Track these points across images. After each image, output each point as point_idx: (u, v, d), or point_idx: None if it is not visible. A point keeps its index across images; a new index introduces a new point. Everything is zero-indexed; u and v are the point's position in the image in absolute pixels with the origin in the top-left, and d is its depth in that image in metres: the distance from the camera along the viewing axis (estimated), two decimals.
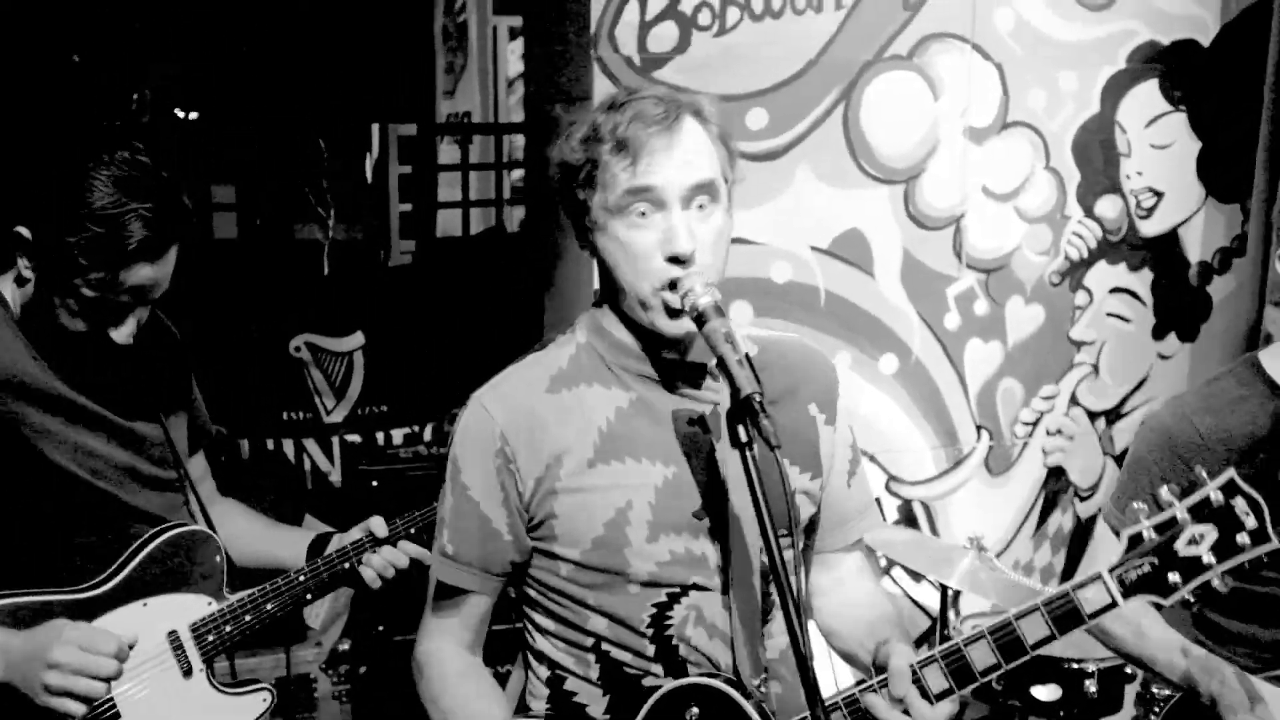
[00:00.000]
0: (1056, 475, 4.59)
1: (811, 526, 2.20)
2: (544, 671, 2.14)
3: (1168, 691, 3.29)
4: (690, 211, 1.95)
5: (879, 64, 4.16)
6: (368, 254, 4.76)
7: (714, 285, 1.92)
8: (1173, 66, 4.52)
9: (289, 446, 4.33)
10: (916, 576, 4.37)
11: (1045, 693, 3.68)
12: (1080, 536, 4.56)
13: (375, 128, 4.65)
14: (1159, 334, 4.66)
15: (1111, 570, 1.86)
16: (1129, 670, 3.64)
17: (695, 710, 1.98)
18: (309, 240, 4.41)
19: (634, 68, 3.90)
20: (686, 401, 2.05)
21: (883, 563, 4.35)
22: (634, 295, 1.98)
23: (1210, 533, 1.83)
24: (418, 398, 4.40)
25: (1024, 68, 4.34)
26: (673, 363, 2.04)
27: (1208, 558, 1.83)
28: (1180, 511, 1.85)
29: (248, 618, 2.54)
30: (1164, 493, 1.87)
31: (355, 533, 2.65)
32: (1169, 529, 1.85)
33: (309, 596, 2.64)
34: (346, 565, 2.62)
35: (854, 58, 4.13)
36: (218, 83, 4.49)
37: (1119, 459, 4.53)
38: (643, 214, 1.94)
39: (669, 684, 2.01)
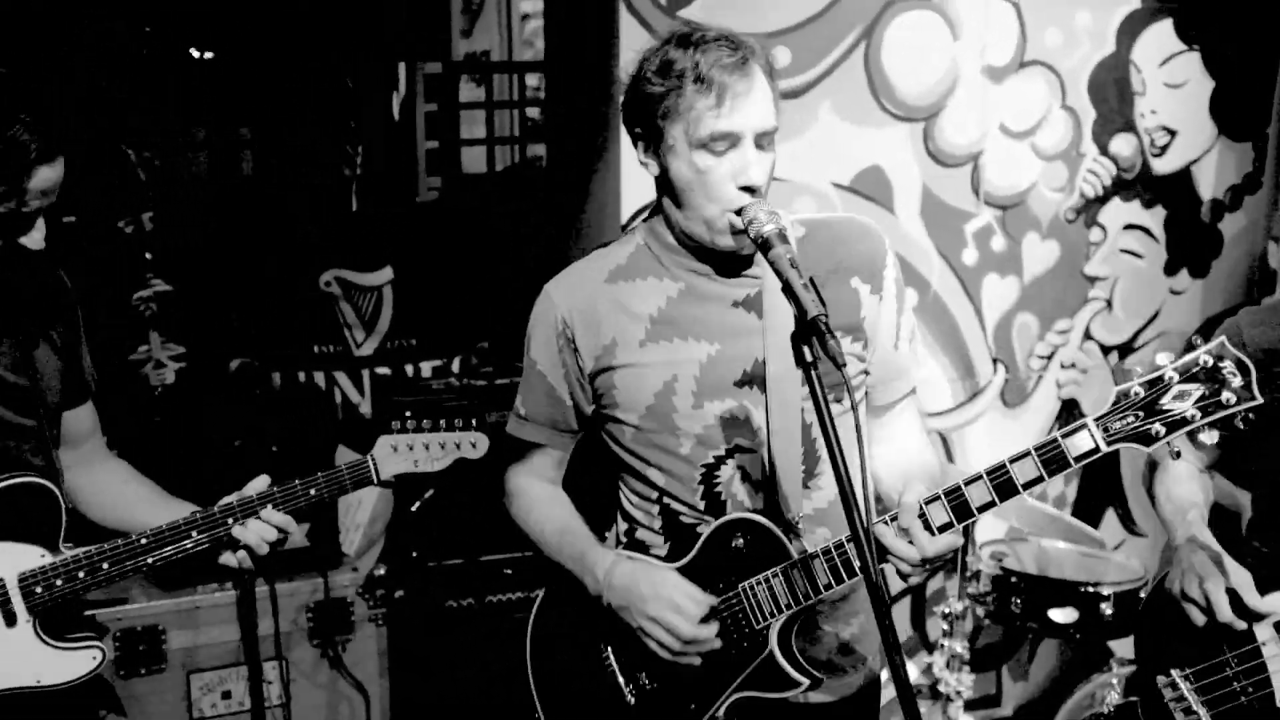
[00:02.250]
0: (1070, 408, 4.70)
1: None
2: (623, 525, 2.51)
3: None
4: (757, 150, 2.20)
5: (899, 3, 4.22)
6: (396, 190, 4.82)
7: (776, 213, 2.13)
8: (1187, 6, 4.58)
9: (320, 379, 4.41)
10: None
11: (1062, 615, 3.80)
12: (1092, 466, 4.65)
13: (402, 66, 4.71)
14: (1171, 270, 4.75)
15: (1097, 419, 2.01)
16: (1142, 594, 3.75)
17: (740, 540, 2.30)
18: (337, 177, 4.45)
19: (659, 6, 3.95)
20: (731, 288, 2.33)
21: None
22: (700, 215, 2.24)
23: (1196, 390, 1.94)
24: (446, 331, 4.47)
25: (1041, 7, 4.39)
26: (720, 256, 2.30)
27: (1191, 411, 1.95)
28: (1169, 371, 1.96)
29: (81, 574, 2.44)
30: (1160, 357, 1.98)
31: (214, 506, 2.50)
32: (1156, 385, 1.96)
33: (150, 560, 2.47)
34: (195, 534, 2.46)
35: None
36: (241, 23, 4.51)
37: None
38: (720, 150, 2.17)
39: (722, 519, 2.32)
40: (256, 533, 2.48)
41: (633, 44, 3.95)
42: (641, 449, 2.40)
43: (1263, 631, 2.45)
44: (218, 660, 3.82)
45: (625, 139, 3.86)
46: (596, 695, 2.43)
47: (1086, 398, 4.71)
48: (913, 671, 4.57)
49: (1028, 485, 2.06)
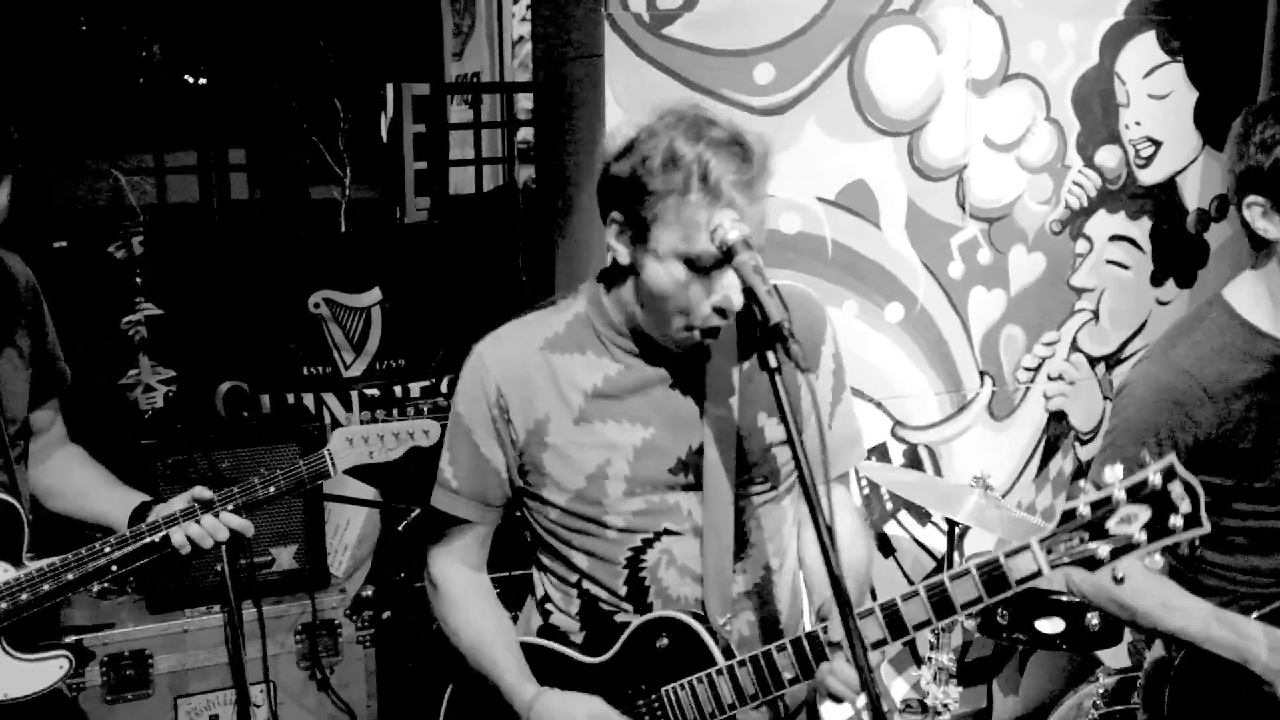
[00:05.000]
0: (1058, 419, 4.70)
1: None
2: (536, 610, 2.40)
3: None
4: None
5: (882, 18, 4.23)
6: (384, 211, 4.85)
7: (740, 222, 2.03)
8: (1170, 18, 4.59)
9: (309, 401, 4.43)
10: (923, 519, 4.49)
11: (1049, 625, 3.80)
12: (1081, 479, 4.67)
13: (390, 87, 4.73)
14: (1157, 281, 4.75)
15: (1041, 541, 1.96)
16: None
17: (665, 640, 2.22)
18: (326, 199, 4.48)
19: (644, 24, 3.97)
20: (669, 370, 2.22)
21: (889, 505, 4.46)
22: (666, 324, 2.12)
23: (1144, 513, 1.91)
24: (435, 351, 4.48)
25: (1024, 20, 4.40)
26: (664, 347, 2.20)
27: (1138, 536, 1.91)
28: (1117, 491, 1.92)
29: (46, 587, 2.47)
30: (1107, 473, 1.94)
31: (176, 503, 2.56)
32: (1103, 506, 1.93)
33: (114, 568, 2.51)
34: (157, 538, 2.52)
35: (858, 12, 4.20)
36: (229, 47, 4.54)
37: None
38: (707, 268, 2.04)
39: (644, 616, 2.24)
40: (208, 528, 2.52)
41: (618, 61, 4.01)
42: (564, 531, 2.28)
43: None
44: (205, 684, 3.84)
45: None
46: None
47: (1074, 410, 4.71)
48: (901, 687, 4.58)
49: (966, 606, 2.02)
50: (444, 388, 4.45)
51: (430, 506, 2.38)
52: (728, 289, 2.04)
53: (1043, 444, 4.68)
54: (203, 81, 4.97)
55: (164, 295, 4.30)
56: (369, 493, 3.73)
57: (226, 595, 3.63)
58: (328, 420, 4.38)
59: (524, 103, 5.77)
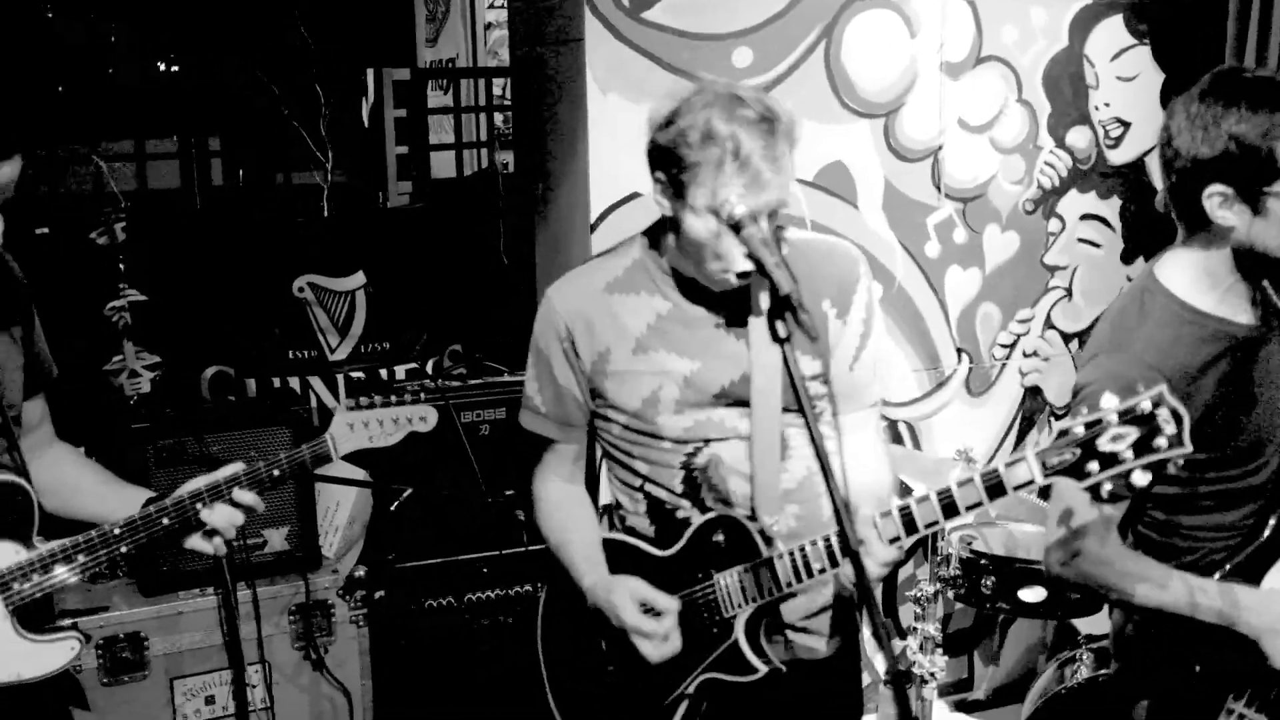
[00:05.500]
0: (1033, 395, 4.80)
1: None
2: (615, 514, 2.75)
3: None
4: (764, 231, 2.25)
5: (858, 2, 4.30)
6: (366, 195, 4.86)
7: (748, 196, 2.22)
8: (1135, 2, 4.69)
9: (295, 385, 4.45)
10: (904, 493, 4.55)
11: (1031, 595, 3.88)
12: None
13: (370, 73, 4.75)
14: (1128, 258, 4.86)
15: (1036, 453, 2.11)
16: None
17: (721, 536, 2.53)
18: (309, 184, 4.49)
19: (623, 8, 4.02)
20: (713, 310, 2.51)
21: None
22: (704, 268, 2.38)
23: (1132, 433, 2.03)
24: (419, 334, 4.51)
25: (996, 4, 4.49)
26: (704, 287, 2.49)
27: (1125, 453, 2.03)
28: (1109, 414, 2.04)
29: (58, 569, 2.48)
30: (1105, 398, 2.05)
31: (183, 491, 2.56)
32: (1095, 426, 2.05)
33: (124, 549, 2.52)
34: (165, 521, 2.52)
35: None
36: (205, 34, 4.55)
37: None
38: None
39: (705, 516, 2.55)
40: (225, 517, 2.56)
41: (599, 44, 4.05)
42: (627, 444, 2.62)
43: None
44: (200, 665, 3.85)
45: (594, 144, 3.99)
46: (593, 671, 2.68)
47: (1049, 385, 4.81)
48: (883, 661, 4.66)
49: (970, 508, 2.25)
50: (429, 369, 4.49)
51: (527, 433, 2.71)
52: (756, 244, 2.23)
53: (1019, 419, 4.77)
54: (175, 69, 4.95)
55: (147, 281, 4.30)
56: (360, 474, 3.75)
57: (219, 577, 3.66)
58: (314, 404, 4.40)
59: (497, 89, 5.81)
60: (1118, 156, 4.79)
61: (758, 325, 2.46)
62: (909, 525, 2.30)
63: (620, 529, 2.73)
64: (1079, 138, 4.71)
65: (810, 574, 2.44)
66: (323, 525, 4.07)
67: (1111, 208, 4.80)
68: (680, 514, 2.60)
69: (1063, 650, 3.99)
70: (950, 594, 4.00)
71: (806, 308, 2.04)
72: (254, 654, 3.85)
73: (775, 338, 2.08)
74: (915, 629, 4.01)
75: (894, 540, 2.31)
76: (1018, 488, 2.17)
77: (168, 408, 4.01)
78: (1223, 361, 2.49)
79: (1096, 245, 4.81)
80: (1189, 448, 2.02)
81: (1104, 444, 2.05)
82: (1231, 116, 2.39)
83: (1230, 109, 2.40)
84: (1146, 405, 2.04)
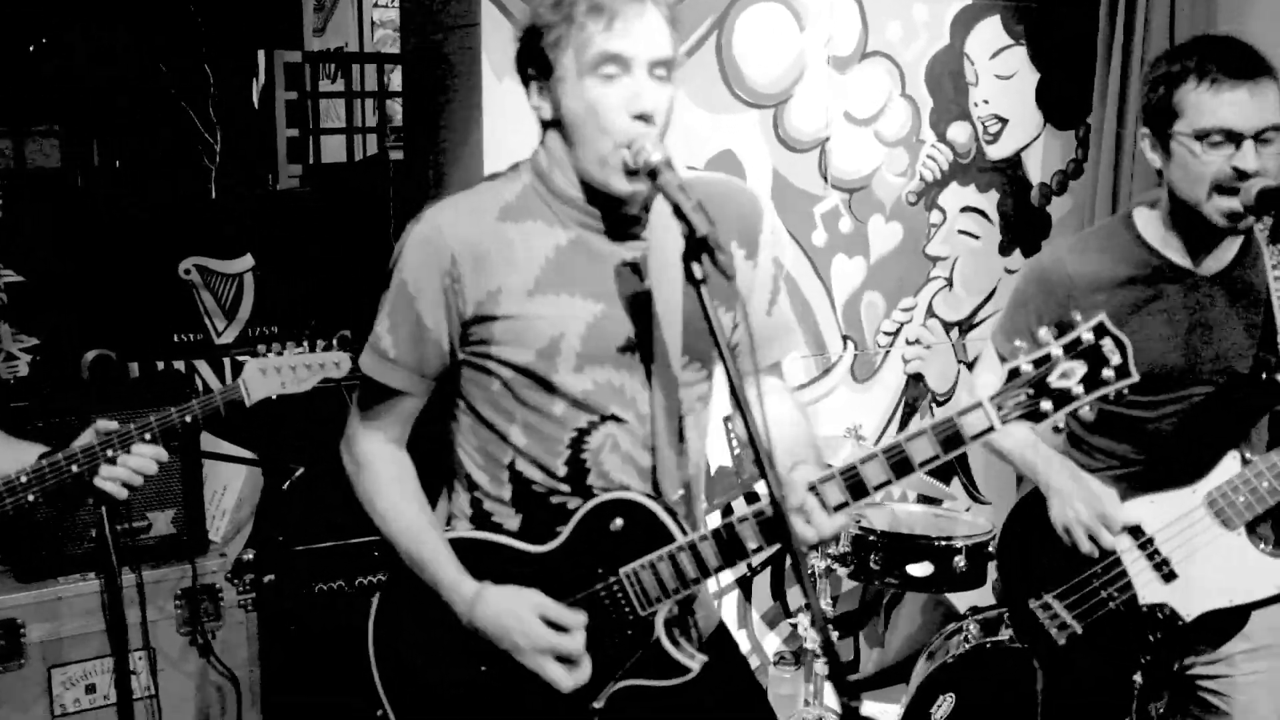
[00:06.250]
0: (916, 381, 4.93)
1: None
2: (463, 494, 2.35)
3: None
4: (651, 79, 2.12)
5: None
6: (255, 178, 4.79)
7: (663, 144, 2.11)
8: (1014, 2, 4.87)
9: (180, 369, 4.35)
10: None
11: (919, 569, 3.98)
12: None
13: (261, 54, 4.69)
14: (1005, 250, 5.02)
15: (992, 399, 2.06)
16: (991, 549, 3.96)
17: (619, 521, 2.21)
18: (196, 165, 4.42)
19: None
20: (619, 247, 2.23)
21: None
22: (594, 151, 2.13)
23: (1080, 368, 2.02)
24: (308, 318, 4.45)
25: (881, 1, 4.62)
26: (611, 212, 2.22)
27: (1076, 389, 2.03)
28: (1055, 349, 2.04)
29: None
30: (1042, 332, 2.06)
31: (84, 438, 2.52)
32: (1044, 364, 2.04)
33: (30, 499, 2.49)
34: (75, 469, 2.49)
35: None
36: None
37: (971, 365, 4.88)
38: (611, 75, 2.09)
39: (595, 499, 2.22)
40: (135, 466, 2.52)
41: (495, 30, 4.07)
42: (507, 405, 2.24)
43: (1121, 541, 2.65)
44: (81, 653, 3.73)
45: (489, 129, 3.99)
46: (462, 687, 2.30)
47: (930, 372, 4.94)
48: (774, 641, 4.73)
49: (924, 464, 2.07)
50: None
51: (363, 377, 2.31)
52: (640, 92, 2.10)
53: (902, 405, 4.89)
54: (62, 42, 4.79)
55: (25, 261, 4.18)
56: (250, 455, 3.70)
57: (101, 561, 3.54)
58: (199, 386, 4.31)
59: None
60: (996, 152, 4.95)
61: (660, 258, 2.22)
62: (856, 489, 2.09)
63: (473, 514, 2.35)
64: (959, 133, 4.86)
65: (743, 555, 2.16)
66: (210, 509, 3.99)
67: (990, 201, 4.96)
68: (555, 500, 2.25)
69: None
70: (839, 570, 4.08)
71: (724, 247, 1.95)
72: (138, 640, 3.74)
73: (691, 279, 1.99)
74: (806, 606, 4.08)
75: (839, 507, 2.09)
76: (975, 437, 2.05)
77: (46, 388, 3.91)
78: (1141, 284, 2.69)
79: (975, 237, 4.96)
80: (1136, 376, 2.02)
81: (1054, 380, 2.02)
82: (1158, 68, 2.64)
83: (1158, 61, 2.66)
84: (1089, 335, 2.02)
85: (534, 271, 2.20)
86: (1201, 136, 2.53)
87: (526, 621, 2.18)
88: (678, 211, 2.01)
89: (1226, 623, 2.68)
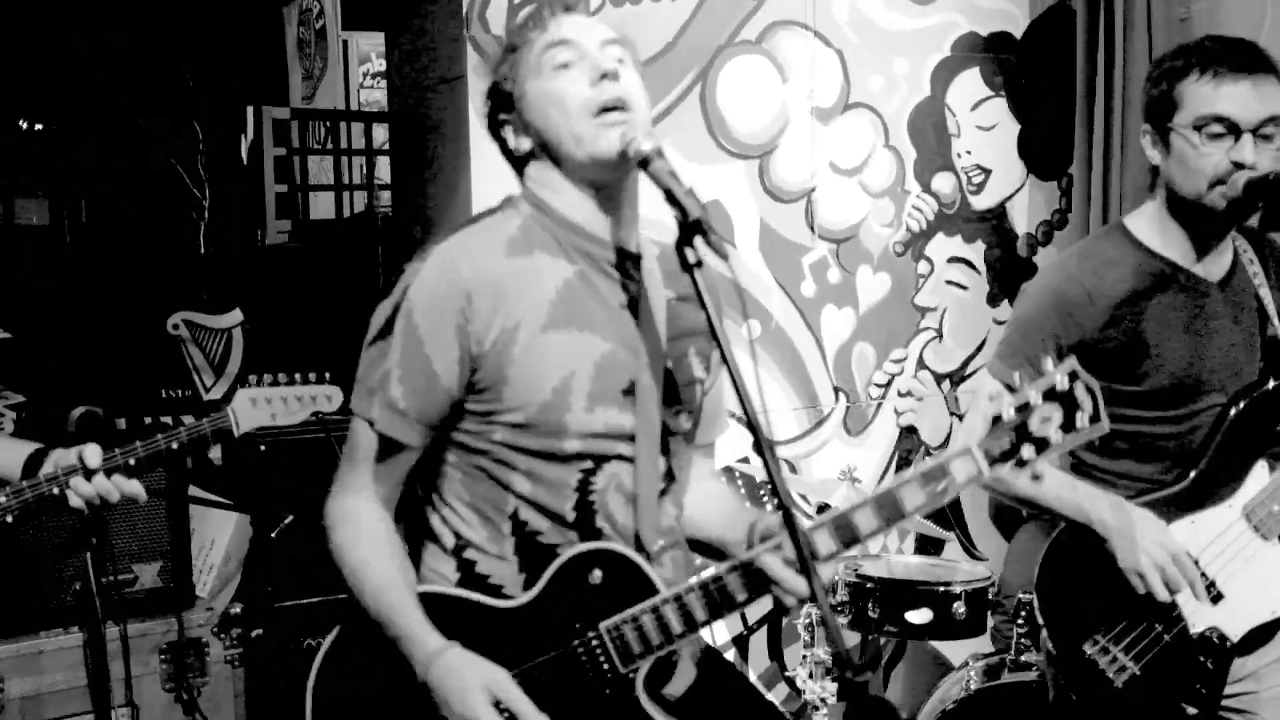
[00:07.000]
0: (909, 434, 4.90)
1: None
2: (447, 558, 2.19)
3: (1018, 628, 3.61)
4: (605, 56, 2.13)
5: (730, 48, 4.45)
6: (244, 233, 4.80)
7: (653, 134, 2.12)
8: (990, 55, 4.94)
9: (168, 424, 4.31)
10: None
11: (918, 616, 3.90)
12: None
13: (250, 110, 4.72)
14: (993, 301, 5.03)
15: (979, 445, 2.06)
16: (991, 596, 3.90)
17: (598, 573, 2.10)
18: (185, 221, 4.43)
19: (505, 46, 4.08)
20: (618, 289, 2.18)
21: (766, 501, 4.55)
22: (569, 133, 2.11)
23: (1056, 413, 2.04)
24: (297, 372, 4.43)
25: (862, 54, 4.68)
26: (613, 246, 2.20)
27: (1055, 436, 2.04)
28: (1034, 396, 2.05)
29: None
30: (1047, 363, 2.08)
31: (71, 455, 2.52)
32: (1025, 411, 2.05)
33: (8, 519, 2.48)
34: (56, 490, 2.48)
35: (708, 42, 4.41)
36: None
37: (963, 418, 4.85)
38: (566, 63, 2.12)
39: (573, 549, 2.11)
40: (101, 489, 2.49)
41: (482, 81, 4.10)
42: (510, 451, 2.12)
43: (1189, 573, 2.59)
44: (62, 709, 3.67)
45: (476, 182, 4.02)
46: None
47: (923, 425, 4.92)
48: (774, 698, 4.63)
49: (914, 512, 2.05)
50: None
51: (353, 431, 2.17)
52: (596, 64, 2.10)
53: (896, 457, 4.86)
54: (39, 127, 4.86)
55: (11, 318, 4.16)
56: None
57: (84, 614, 3.48)
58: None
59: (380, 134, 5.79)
60: (980, 202, 4.98)
61: (647, 301, 2.19)
62: (847, 537, 2.04)
63: (462, 577, 2.18)
64: (943, 183, 4.90)
65: (732, 607, 2.08)
66: (197, 563, 3.94)
67: (976, 251, 4.98)
68: (560, 550, 2.12)
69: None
70: (839, 620, 4.01)
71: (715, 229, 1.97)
72: (121, 696, 3.67)
73: (684, 264, 1.98)
74: (804, 656, 4.01)
75: (830, 556, 2.04)
76: (964, 484, 2.04)
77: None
78: (1156, 293, 2.67)
79: (963, 287, 4.97)
80: (1106, 424, 2.03)
81: (1034, 426, 2.04)
82: (1161, 64, 2.68)
83: (1162, 59, 2.70)
84: (1064, 382, 2.03)
85: (545, 306, 2.11)
86: (1200, 126, 2.55)
87: (469, 695, 2.02)
88: (670, 197, 2.01)
89: (1260, 636, 2.64)
